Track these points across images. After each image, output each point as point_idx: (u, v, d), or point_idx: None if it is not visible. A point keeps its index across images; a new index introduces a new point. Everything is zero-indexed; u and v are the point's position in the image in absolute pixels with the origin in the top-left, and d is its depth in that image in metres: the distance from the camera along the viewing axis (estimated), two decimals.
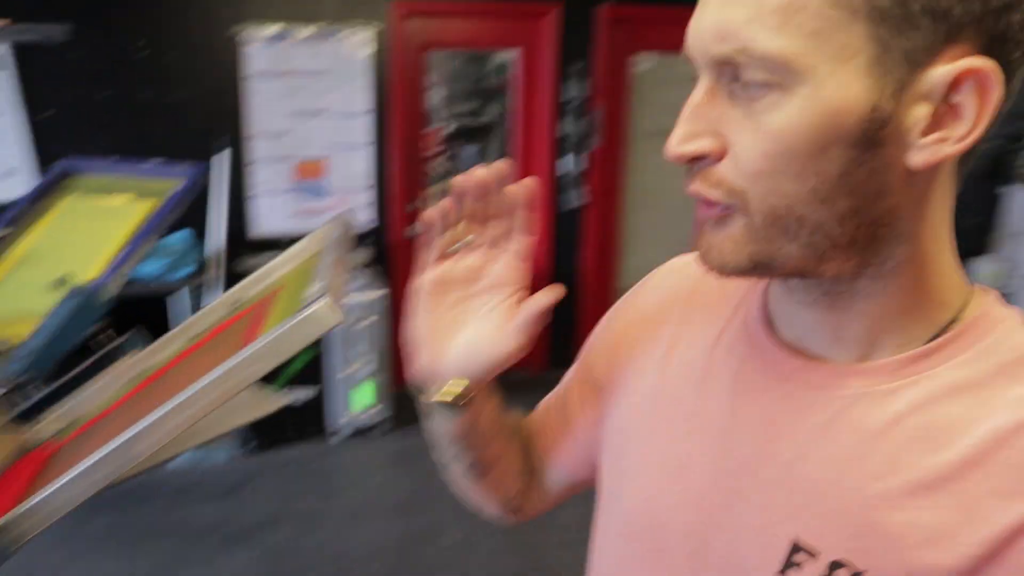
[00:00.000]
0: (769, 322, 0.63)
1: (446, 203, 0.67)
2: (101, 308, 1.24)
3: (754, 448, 0.59)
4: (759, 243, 0.52)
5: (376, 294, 3.62)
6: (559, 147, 4.22)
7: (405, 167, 3.97)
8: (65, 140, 3.33)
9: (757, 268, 0.54)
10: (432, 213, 0.68)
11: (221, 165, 3.42)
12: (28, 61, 3.27)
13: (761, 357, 0.62)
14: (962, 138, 0.48)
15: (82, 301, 1.22)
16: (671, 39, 4.63)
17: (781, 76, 0.47)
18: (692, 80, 0.54)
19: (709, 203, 0.54)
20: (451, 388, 0.68)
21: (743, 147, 0.50)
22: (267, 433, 3.62)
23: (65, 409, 1.23)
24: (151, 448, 0.82)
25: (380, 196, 3.93)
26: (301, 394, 3.55)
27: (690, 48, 0.53)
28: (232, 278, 3.40)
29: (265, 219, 3.76)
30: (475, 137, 4.53)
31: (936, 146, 0.48)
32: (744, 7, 0.48)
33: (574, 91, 4.16)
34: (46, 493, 0.82)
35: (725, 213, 0.53)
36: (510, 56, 4.25)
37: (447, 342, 0.68)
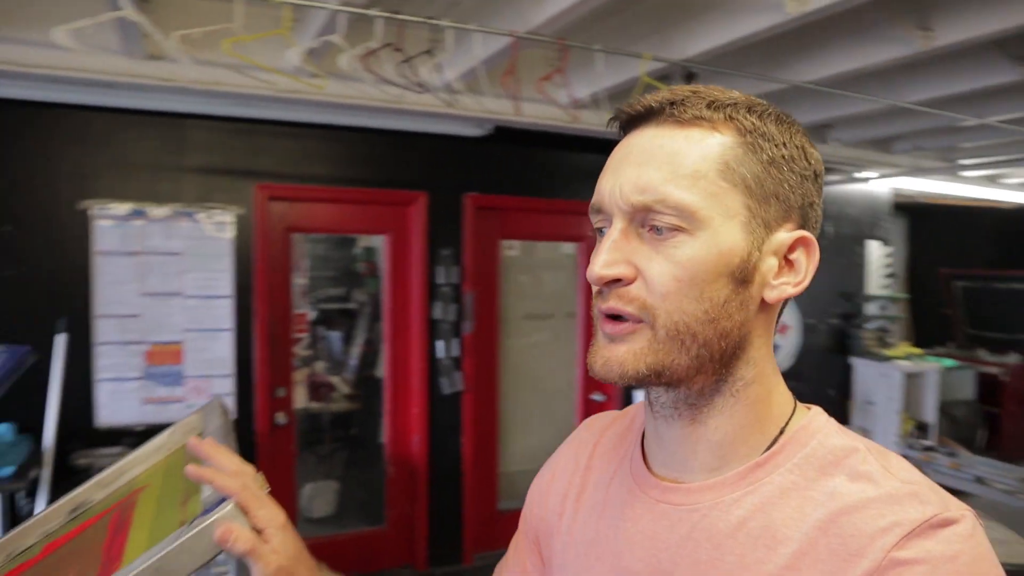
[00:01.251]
0: (645, 459, 0.76)
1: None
2: None
3: (643, 563, 0.70)
4: (658, 354, 0.65)
5: None
6: (432, 332, 4.12)
7: (269, 352, 3.72)
8: None
9: (651, 376, 0.65)
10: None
11: (59, 348, 3.04)
12: None
13: (640, 487, 0.74)
14: (798, 283, 0.68)
15: None
16: (531, 227, 4.77)
17: (688, 222, 0.64)
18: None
19: (618, 321, 0.66)
20: None
21: (656, 273, 0.65)
22: None
23: None
24: None
25: (242, 383, 3.62)
26: None
27: (604, 200, 0.68)
28: (68, 475, 2.96)
29: (110, 408, 3.34)
30: (340, 322, 4.35)
31: (782, 287, 0.68)
32: (660, 171, 0.65)
33: (444, 276, 4.13)
34: None
35: (634, 328, 0.66)
36: (377, 240, 4.21)
37: None
